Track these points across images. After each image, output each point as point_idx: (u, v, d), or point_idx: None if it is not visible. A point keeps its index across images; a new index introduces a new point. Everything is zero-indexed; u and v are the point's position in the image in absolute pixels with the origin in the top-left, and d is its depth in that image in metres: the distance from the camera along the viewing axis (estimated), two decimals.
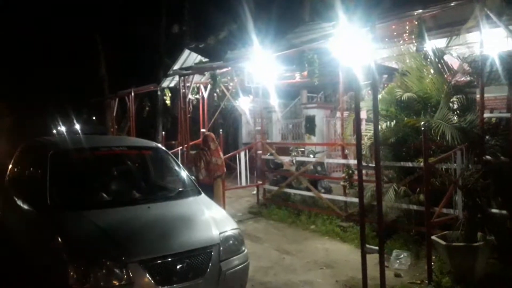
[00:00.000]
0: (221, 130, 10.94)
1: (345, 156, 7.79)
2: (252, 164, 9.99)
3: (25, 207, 4.51)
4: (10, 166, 5.88)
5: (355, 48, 4.75)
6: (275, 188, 9.16)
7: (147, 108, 14.56)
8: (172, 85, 12.24)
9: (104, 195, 4.39)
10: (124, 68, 15.25)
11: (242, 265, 4.03)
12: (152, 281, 3.46)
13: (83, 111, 17.97)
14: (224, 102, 11.29)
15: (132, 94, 11.10)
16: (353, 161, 7.38)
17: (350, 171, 7.37)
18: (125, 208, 4.13)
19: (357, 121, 4.49)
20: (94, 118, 20.79)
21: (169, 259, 3.59)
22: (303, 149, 11.82)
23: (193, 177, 5.16)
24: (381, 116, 6.65)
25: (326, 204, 7.95)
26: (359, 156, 4.50)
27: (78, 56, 16.51)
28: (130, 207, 4.18)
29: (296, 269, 5.75)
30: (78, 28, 16.16)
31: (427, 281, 4.93)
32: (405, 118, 6.31)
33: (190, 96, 11.25)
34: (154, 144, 5.55)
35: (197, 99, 11.80)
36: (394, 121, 6.37)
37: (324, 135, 14.03)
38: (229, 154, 9.82)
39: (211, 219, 4.15)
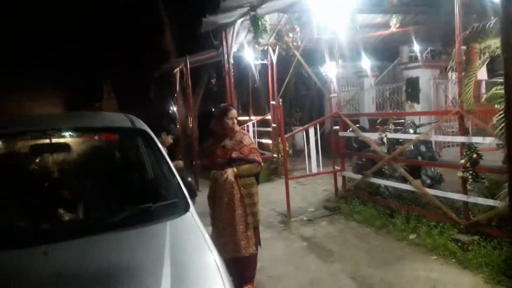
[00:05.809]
0: (281, 100, 8.83)
1: (464, 131, 4.93)
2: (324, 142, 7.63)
3: None
4: None
5: None
6: (359, 176, 6.63)
7: (213, 80, 12.76)
8: (235, 49, 10.15)
9: None
10: (187, 39, 13.50)
11: None
12: None
13: (151, 89, 16.77)
14: (292, 68, 8.99)
15: (188, 63, 9.37)
16: (477, 139, 4.62)
17: (474, 155, 4.60)
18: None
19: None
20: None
21: None
22: (402, 120, 9.04)
23: (189, 178, 2.92)
24: None
25: (433, 204, 5.27)
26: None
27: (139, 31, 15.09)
28: (16, 251, 2.12)
29: None
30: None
31: None
32: None
33: (255, 61, 9.16)
34: (128, 123, 3.16)
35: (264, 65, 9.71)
36: None
37: (431, 102, 10.89)
38: (291, 133, 7.64)
39: (166, 275, 1.95)
